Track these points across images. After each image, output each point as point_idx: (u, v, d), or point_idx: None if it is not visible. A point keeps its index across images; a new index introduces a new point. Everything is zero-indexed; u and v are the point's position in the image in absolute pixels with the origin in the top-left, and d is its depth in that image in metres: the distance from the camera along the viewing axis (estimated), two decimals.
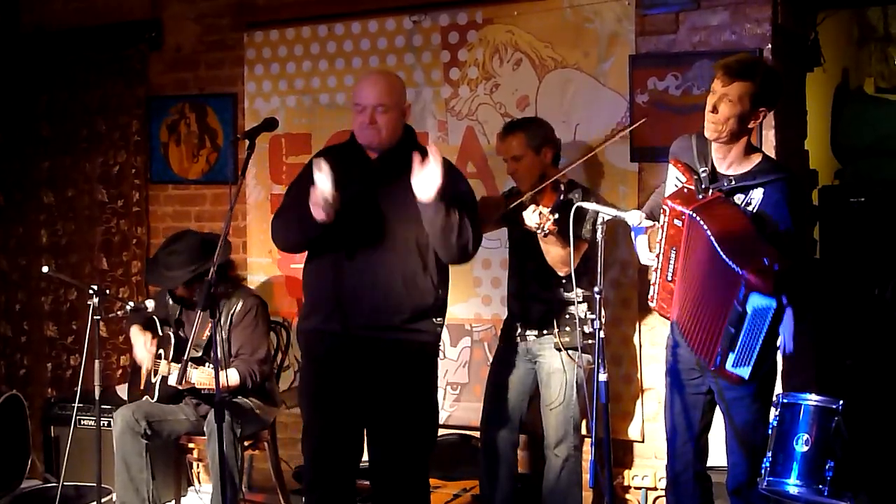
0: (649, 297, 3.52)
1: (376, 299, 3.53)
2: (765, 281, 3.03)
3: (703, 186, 3.34)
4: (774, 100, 3.32)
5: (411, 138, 3.70)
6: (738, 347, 3.16)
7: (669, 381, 3.58)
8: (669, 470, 3.62)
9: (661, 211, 3.37)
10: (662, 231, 3.37)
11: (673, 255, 3.33)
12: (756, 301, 3.07)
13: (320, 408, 3.67)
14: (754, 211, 3.27)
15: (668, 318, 3.48)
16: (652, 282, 3.47)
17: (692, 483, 3.56)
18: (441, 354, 4.56)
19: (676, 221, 3.30)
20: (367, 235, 3.54)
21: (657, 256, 3.41)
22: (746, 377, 3.20)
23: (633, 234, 3.63)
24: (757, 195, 3.29)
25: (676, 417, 3.55)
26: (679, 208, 3.27)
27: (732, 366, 3.19)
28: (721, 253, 3.10)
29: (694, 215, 3.21)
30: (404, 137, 3.65)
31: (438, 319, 3.65)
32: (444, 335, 4.82)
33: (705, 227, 3.16)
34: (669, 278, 3.36)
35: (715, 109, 3.26)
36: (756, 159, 3.36)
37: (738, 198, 3.32)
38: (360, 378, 3.58)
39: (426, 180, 3.36)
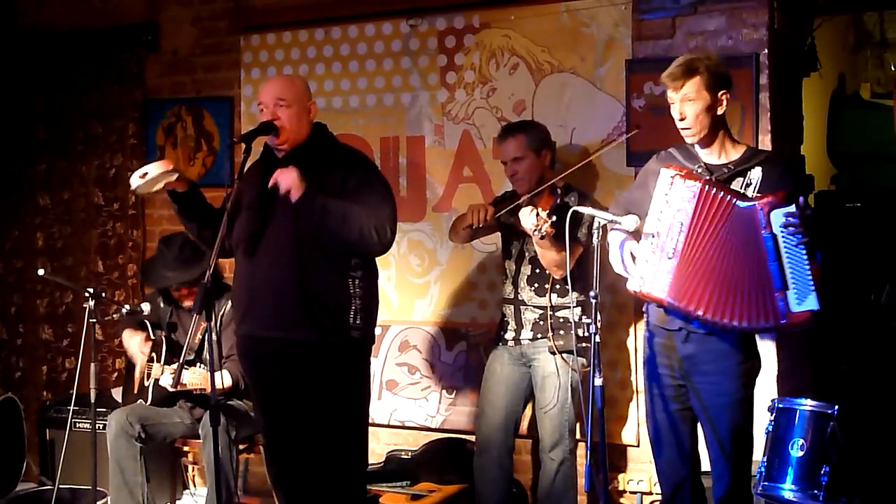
0: (637, 280, 3.33)
1: (275, 299, 3.54)
2: (774, 194, 3.19)
3: (706, 177, 3.33)
4: (727, 80, 3.36)
5: (322, 136, 3.70)
6: (790, 279, 3.19)
7: (655, 398, 3.47)
8: (664, 490, 3.53)
9: (667, 183, 3.29)
10: (667, 205, 3.29)
11: (679, 229, 3.26)
12: (777, 218, 3.17)
13: (258, 410, 3.83)
14: (755, 191, 3.30)
15: (656, 301, 3.33)
16: (647, 261, 3.31)
17: (689, 498, 3.49)
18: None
19: (687, 192, 3.25)
20: (265, 235, 3.56)
21: (656, 234, 3.29)
22: (818, 307, 3.20)
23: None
24: (756, 174, 3.33)
25: (664, 435, 3.45)
26: (692, 182, 3.25)
27: (798, 303, 3.20)
28: (737, 202, 3.21)
29: (709, 188, 3.23)
30: (313, 136, 3.66)
31: (356, 321, 3.56)
32: (440, 338, 4.85)
33: (731, 198, 3.20)
34: (670, 255, 3.27)
35: (682, 116, 3.31)
36: (743, 148, 3.43)
37: (737, 182, 3.33)
38: (271, 380, 3.64)
39: (281, 184, 3.40)
